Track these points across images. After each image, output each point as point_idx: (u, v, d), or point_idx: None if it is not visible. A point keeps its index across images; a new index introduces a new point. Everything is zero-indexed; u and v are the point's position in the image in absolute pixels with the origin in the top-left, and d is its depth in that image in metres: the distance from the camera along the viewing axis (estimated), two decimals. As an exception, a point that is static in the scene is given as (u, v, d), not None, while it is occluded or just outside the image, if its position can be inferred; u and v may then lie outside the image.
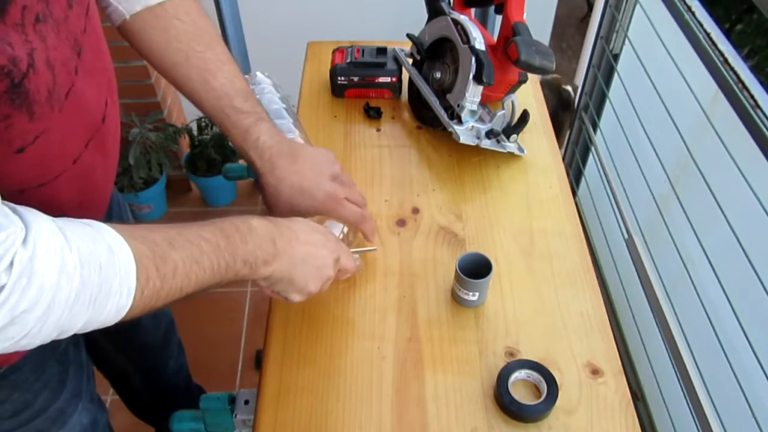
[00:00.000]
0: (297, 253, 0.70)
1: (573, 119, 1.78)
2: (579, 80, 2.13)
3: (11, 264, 0.45)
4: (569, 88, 1.96)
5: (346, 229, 0.85)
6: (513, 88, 1.06)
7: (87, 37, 0.61)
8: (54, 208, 0.52)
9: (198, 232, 0.62)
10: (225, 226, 0.64)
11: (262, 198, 0.84)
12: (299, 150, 0.82)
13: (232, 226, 0.65)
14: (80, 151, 0.63)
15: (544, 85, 1.30)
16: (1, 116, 0.51)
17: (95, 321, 0.53)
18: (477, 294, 0.84)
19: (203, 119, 2.10)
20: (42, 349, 0.74)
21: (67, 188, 0.64)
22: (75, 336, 0.84)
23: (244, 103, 0.80)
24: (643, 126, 1.38)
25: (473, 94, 0.99)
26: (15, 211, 0.48)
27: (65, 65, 0.56)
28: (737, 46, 1.18)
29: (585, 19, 3.14)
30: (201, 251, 0.60)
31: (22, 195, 0.51)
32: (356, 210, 0.83)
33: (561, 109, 1.95)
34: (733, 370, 1.01)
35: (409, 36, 1.12)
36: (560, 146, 1.87)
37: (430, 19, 1.10)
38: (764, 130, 0.93)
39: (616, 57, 1.55)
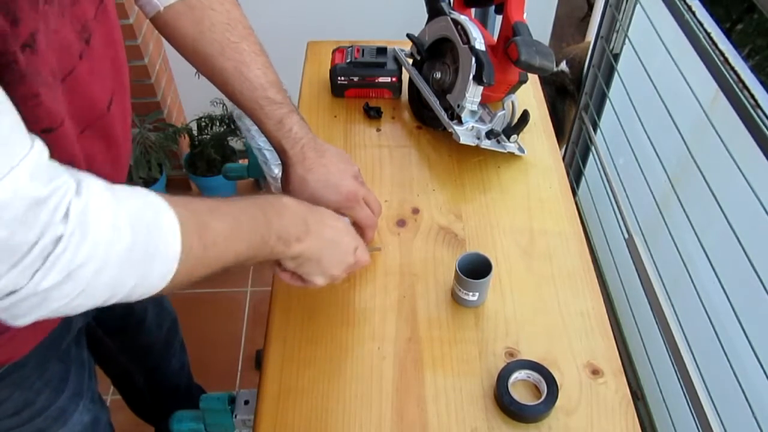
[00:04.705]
0: (326, 235, 0.72)
1: (576, 101, 1.76)
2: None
3: (66, 214, 0.45)
4: (564, 67, 1.94)
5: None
6: (513, 89, 1.06)
7: (97, 25, 0.61)
8: None
9: (235, 204, 0.63)
10: (260, 201, 0.66)
11: (283, 188, 0.85)
12: (324, 146, 0.85)
13: (266, 201, 0.66)
14: (76, 137, 0.63)
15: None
16: (31, 94, 0.51)
17: (142, 284, 0.53)
18: (477, 294, 0.84)
19: (203, 119, 2.10)
20: (44, 347, 0.75)
21: None
22: (77, 335, 0.85)
23: (277, 94, 0.82)
24: (643, 126, 1.38)
25: (473, 94, 0.99)
26: (63, 166, 0.48)
27: (67, 49, 0.56)
28: (738, 45, 1.18)
29: (585, 19, 3.13)
30: (239, 222, 0.61)
31: None
32: (370, 214, 0.86)
33: (559, 99, 1.93)
34: (733, 370, 1.01)
35: (409, 36, 1.12)
36: (566, 136, 1.87)
37: (430, 19, 1.10)
38: (765, 130, 0.93)
39: (616, 57, 1.55)
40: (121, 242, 0.49)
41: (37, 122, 0.53)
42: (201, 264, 0.58)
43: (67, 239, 0.45)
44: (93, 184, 0.49)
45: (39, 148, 0.46)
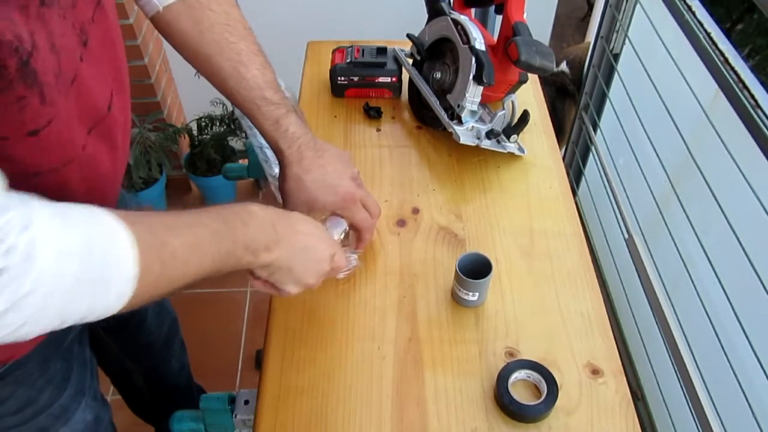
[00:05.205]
0: (297, 242, 0.70)
1: (576, 102, 1.76)
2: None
3: (12, 247, 0.45)
4: (564, 67, 1.94)
5: (347, 230, 0.86)
6: (513, 88, 1.06)
7: (94, 27, 0.61)
8: (65, 196, 0.52)
9: (196, 218, 0.61)
10: (223, 212, 0.64)
11: (280, 188, 0.85)
12: (322, 146, 0.85)
13: (231, 211, 0.65)
14: (85, 138, 0.63)
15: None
16: (16, 98, 0.50)
17: (97, 308, 0.52)
18: (477, 294, 0.84)
19: (203, 119, 2.10)
20: (46, 345, 0.75)
21: (77, 176, 0.64)
22: (79, 333, 0.85)
23: (275, 95, 0.82)
24: (643, 126, 1.38)
25: (473, 94, 0.99)
26: (15, 197, 0.48)
27: (71, 52, 0.56)
28: (738, 45, 1.18)
29: (585, 19, 3.14)
30: (200, 236, 0.60)
31: (35, 179, 0.51)
32: (367, 217, 0.85)
33: (559, 99, 1.93)
34: (733, 370, 1.01)
35: (409, 36, 1.12)
36: (565, 136, 1.86)
37: (430, 19, 1.10)
38: (764, 130, 0.93)
39: (616, 57, 1.55)
40: (69, 270, 0.48)
41: (23, 124, 0.53)
42: (161, 282, 0.56)
43: (10, 271, 0.45)
44: (43, 212, 0.48)
45: None
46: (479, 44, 0.98)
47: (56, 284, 0.48)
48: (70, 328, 0.80)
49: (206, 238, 0.61)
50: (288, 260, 0.69)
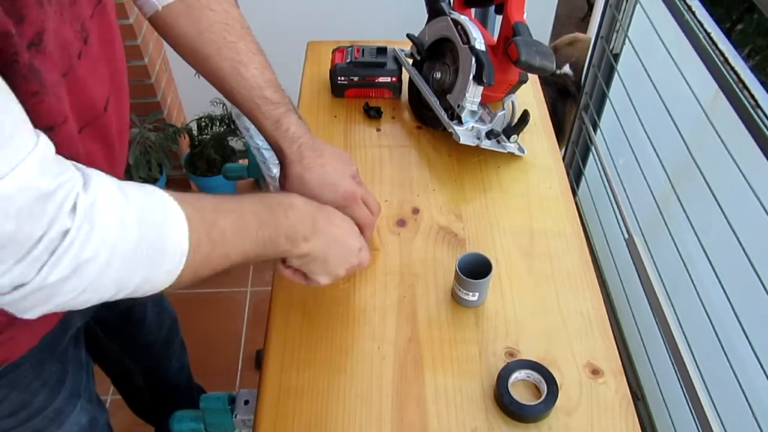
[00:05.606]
0: (333, 234, 0.73)
1: (577, 103, 1.76)
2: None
3: (74, 208, 0.45)
4: (567, 70, 1.94)
5: None
6: (513, 89, 1.06)
7: (93, 25, 0.61)
8: None
9: (242, 203, 0.63)
10: (267, 200, 0.66)
11: (281, 187, 0.86)
12: (322, 145, 0.85)
13: (274, 200, 0.67)
14: (76, 137, 0.63)
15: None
16: (31, 93, 0.51)
17: (149, 281, 0.53)
18: (477, 294, 0.84)
19: (203, 119, 2.10)
20: (41, 348, 0.75)
21: None
22: (75, 335, 0.85)
23: (274, 94, 0.82)
24: (643, 126, 1.38)
25: (473, 94, 0.99)
26: (68, 162, 0.48)
27: (66, 48, 0.56)
28: (738, 45, 1.18)
29: (585, 19, 3.14)
30: (246, 221, 0.62)
31: None
32: (368, 214, 0.86)
33: (559, 100, 1.93)
34: (733, 370, 1.01)
35: (409, 36, 1.12)
36: (566, 137, 1.86)
37: (430, 19, 1.10)
38: (764, 130, 0.93)
39: (616, 57, 1.55)
40: (128, 239, 0.49)
41: (38, 120, 0.53)
42: (208, 262, 0.58)
43: (74, 233, 0.45)
44: (101, 179, 0.49)
45: (45, 142, 0.46)
46: (479, 44, 0.98)
47: (115, 252, 0.48)
48: (66, 330, 0.81)
49: (252, 222, 0.62)
50: (324, 251, 0.71)
